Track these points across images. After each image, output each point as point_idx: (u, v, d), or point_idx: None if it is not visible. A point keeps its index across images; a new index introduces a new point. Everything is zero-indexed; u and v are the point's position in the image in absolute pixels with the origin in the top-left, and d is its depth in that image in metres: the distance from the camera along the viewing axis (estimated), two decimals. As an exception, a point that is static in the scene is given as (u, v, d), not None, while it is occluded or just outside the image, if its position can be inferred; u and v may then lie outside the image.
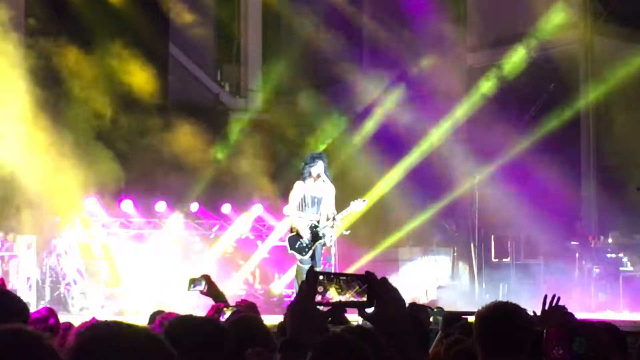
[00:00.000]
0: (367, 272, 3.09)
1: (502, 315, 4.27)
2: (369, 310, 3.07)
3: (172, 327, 3.85)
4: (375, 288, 3.03)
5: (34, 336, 2.09)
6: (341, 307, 3.09)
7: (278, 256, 21.03)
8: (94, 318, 5.76)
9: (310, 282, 3.04)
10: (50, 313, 6.33)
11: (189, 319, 4.10)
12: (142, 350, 2.34)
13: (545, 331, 4.54)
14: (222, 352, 3.73)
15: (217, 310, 6.58)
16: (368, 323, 3.26)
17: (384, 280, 3.09)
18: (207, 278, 7.36)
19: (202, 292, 7.35)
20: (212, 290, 7.25)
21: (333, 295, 2.99)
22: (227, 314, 6.21)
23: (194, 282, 7.51)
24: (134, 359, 2.32)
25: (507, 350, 4.00)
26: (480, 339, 4.18)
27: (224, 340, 3.79)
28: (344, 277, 3.05)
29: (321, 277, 3.06)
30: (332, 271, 2.99)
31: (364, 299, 3.02)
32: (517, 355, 3.98)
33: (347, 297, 3.00)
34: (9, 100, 17.80)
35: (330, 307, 3.09)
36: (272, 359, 3.75)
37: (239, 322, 4.84)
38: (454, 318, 8.17)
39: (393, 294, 3.07)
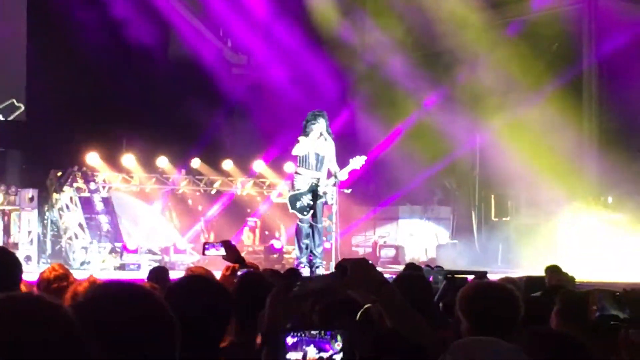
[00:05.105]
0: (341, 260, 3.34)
1: (486, 295, 4.25)
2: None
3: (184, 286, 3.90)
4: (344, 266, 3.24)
5: (51, 306, 2.03)
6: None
7: (280, 212, 21.11)
8: (91, 276, 5.80)
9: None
10: (66, 271, 6.36)
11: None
12: (144, 314, 2.37)
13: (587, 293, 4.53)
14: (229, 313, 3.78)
15: (232, 271, 6.63)
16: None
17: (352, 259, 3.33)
18: (225, 243, 7.39)
19: (224, 258, 7.40)
20: (232, 255, 7.30)
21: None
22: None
23: (208, 245, 7.55)
24: (136, 322, 2.35)
25: (496, 328, 3.96)
26: (467, 320, 4.16)
27: (231, 302, 3.84)
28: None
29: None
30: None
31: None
32: (507, 332, 3.95)
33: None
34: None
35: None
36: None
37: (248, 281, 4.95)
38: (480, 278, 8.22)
39: (359, 261, 3.30)
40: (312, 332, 2.92)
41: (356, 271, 3.23)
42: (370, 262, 3.42)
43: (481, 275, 8.99)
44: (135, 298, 2.41)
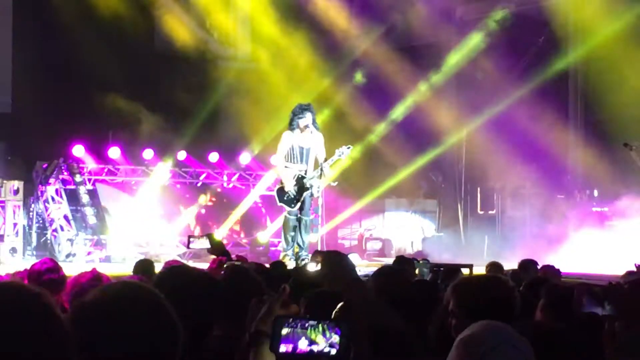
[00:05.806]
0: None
1: (486, 289, 4.19)
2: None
3: (166, 276, 3.89)
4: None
5: (31, 294, 2.00)
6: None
7: (266, 205, 21.09)
8: (94, 269, 5.77)
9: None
10: (56, 265, 6.34)
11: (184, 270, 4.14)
12: (148, 319, 2.35)
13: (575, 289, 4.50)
14: (217, 305, 3.76)
15: (219, 264, 6.62)
16: None
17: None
18: (210, 236, 7.36)
19: (208, 251, 7.38)
20: (217, 248, 7.28)
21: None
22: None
23: (193, 239, 7.53)
24: (138, 327, 2.33)
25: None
26: (465, 313, 4.08)
27: (219, 293, 3.82)
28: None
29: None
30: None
31: None
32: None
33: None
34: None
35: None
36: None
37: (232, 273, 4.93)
38: (453, 271, 8.25)
39: (332, 255, 3.30)
40: (309, 322, 2.88)
41: (328, 267, 3.23)
42: (352, 254, 3.43)
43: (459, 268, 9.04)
44: (144, 303, 2.39)
